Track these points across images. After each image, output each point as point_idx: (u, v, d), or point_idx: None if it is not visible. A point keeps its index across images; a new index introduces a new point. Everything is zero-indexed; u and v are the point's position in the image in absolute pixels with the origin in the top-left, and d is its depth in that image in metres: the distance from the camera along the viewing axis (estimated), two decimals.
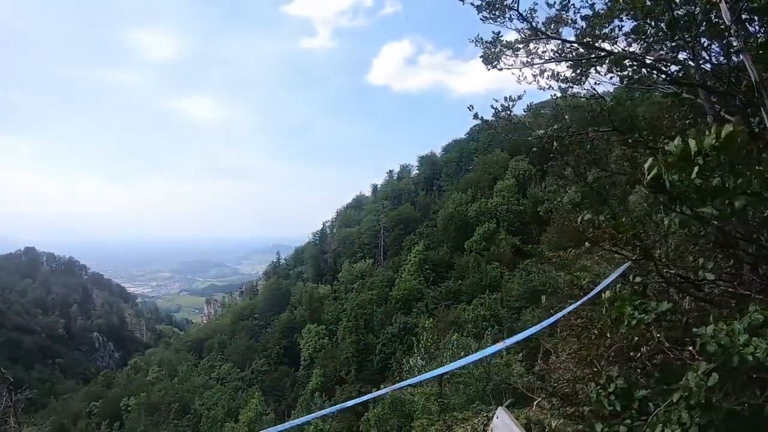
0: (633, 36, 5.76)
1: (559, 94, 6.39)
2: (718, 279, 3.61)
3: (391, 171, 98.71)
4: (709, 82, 5.20)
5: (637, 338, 3.35)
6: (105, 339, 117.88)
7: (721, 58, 5.36)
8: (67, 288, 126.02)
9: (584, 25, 5.94)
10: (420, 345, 17.76)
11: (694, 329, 2.63)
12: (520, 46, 6.05)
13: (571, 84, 6.21)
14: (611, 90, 6.62)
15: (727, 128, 2.23)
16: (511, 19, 5.86)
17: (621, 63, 5.42)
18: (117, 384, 72.11)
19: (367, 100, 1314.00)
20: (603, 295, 3.30)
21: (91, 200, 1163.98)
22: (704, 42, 5.32)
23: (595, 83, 5.96)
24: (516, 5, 5.85)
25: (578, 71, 5.95)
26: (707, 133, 2.28)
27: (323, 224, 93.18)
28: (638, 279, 3.46)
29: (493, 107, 6.29)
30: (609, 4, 5.64)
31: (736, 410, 2.39)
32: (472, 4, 6.04)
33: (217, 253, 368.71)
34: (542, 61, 6.23)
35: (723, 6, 4.35)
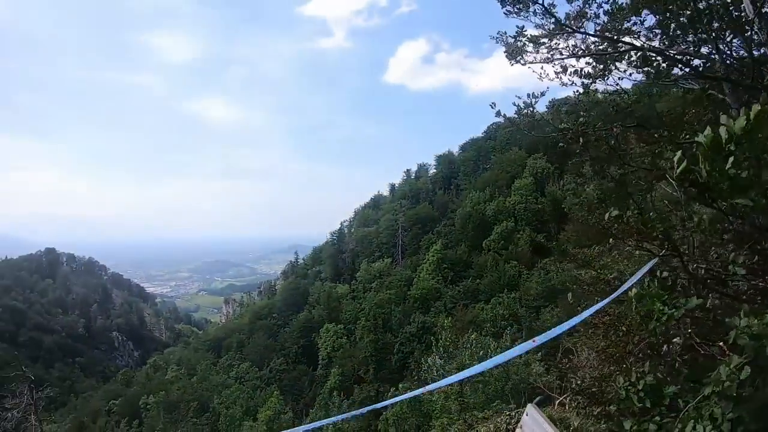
0: (656, 30, 5.71)
1: (581, 90, 6.34)
2: (747, 274, 3.55)
3: (408, 170, 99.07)
4: (733, 76, 5.13)
5: (666, 335, 3.32)
6: (124, 338, 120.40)
7: (743, 52, 5.29)
8: (87, 288, 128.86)
9: (606, 20, 5.91)
10: (439, 344, 17.73)
11: (727, 320, 2.60)
12: (545, 40, 6.03)
13: (593, 80, 6.17)
14: (629, 87, 6.56)
15: (755, 108, 2.19)
16: (535, 13, 5.86)
17: (647, 58, 5.37)
18: (136, 383, 73.46)
19: (383, 100, 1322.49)
20: (630, 292, 3.28)
21: (111, 202, 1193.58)
22: (727, 36, 5.26)
23: (619, 78, 5.92)
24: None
25: (601, 66, 5.91)
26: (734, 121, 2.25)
27: (341, 224, 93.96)
28: (665, 274, 3.43)
29: (515, 104, 6.27)
30: None
31: None
32: None
33: (236, 253, 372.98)
34: (563, 56, 6.20)
35: (746, 0, 4.31)
